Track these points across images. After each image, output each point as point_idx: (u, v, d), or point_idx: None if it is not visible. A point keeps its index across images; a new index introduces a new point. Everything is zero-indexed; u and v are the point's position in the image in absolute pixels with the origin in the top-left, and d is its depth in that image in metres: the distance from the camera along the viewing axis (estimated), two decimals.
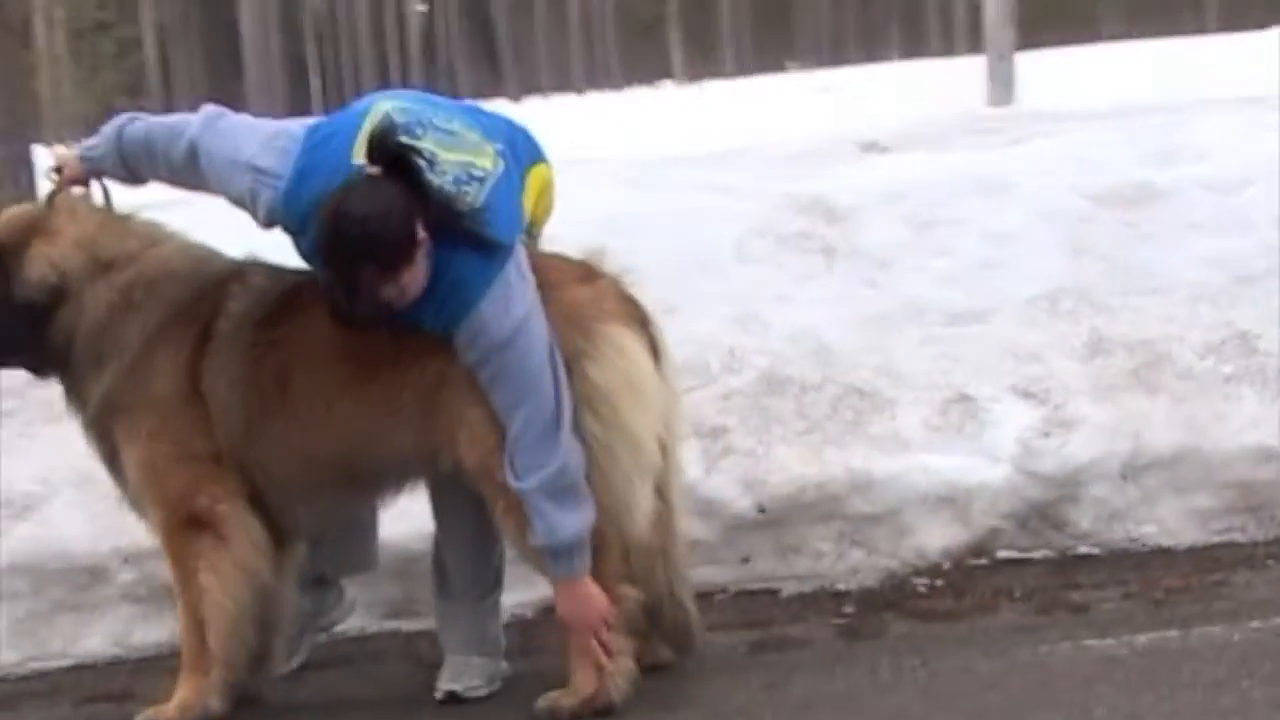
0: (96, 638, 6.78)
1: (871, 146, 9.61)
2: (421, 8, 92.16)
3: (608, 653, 5.74)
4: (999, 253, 8.09)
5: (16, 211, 6.05)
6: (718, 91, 57.69)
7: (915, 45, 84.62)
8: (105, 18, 49.08)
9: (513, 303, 5.60)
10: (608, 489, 5.69)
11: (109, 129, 6.02)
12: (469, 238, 5.59)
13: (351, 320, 5.59)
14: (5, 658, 6.70)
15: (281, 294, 5.83)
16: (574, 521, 5.63)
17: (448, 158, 5.66)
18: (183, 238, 6.04)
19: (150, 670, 6.49)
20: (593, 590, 5.72)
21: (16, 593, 6.76)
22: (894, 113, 16.24)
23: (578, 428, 5.63)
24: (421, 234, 5.48)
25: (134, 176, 6.03)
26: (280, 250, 5.92)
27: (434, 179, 5.56)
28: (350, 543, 6.44)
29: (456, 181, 5.63)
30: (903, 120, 11.58)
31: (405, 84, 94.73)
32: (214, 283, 5.85)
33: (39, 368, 5.98)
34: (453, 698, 6.01)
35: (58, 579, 6.79)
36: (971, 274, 8.00)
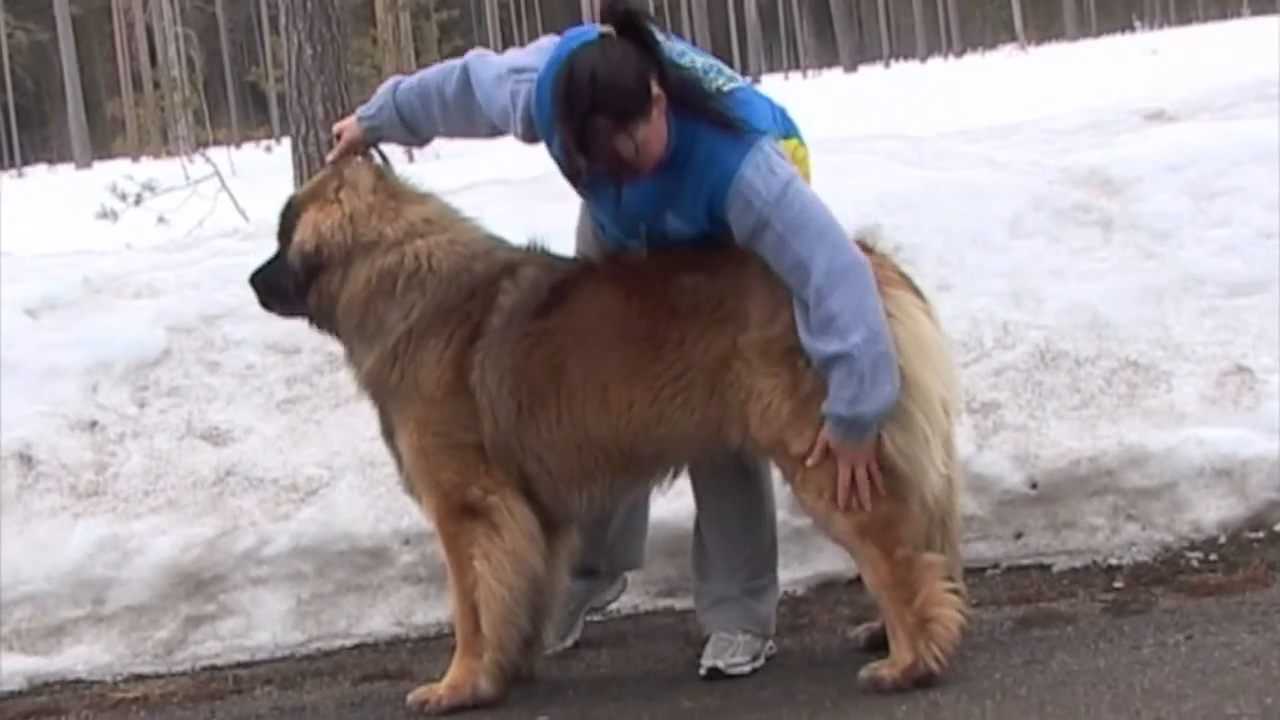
0: (378, 618, 6.99)
1: (1157, 115, 9.46)
2: None
3: (876, 493, 5.67)
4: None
5: (318, 176, 6.27)
6: (1055, 53, 56.88)
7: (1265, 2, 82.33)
8: (425, 1, 50.06)
9: (776, 165, 5.60)
10: (905, 449, 5.67)
11: (383, 90, 6.17)
12: (715, 118, 5.61)
13: (590, 181, 5.65)
14: (291, 638, 6.94)
15: (554, 285, 5.89)
16: (887, 394, 5.56)
17: (696, 56, 5.78)
18: (460, 228, 6.08)
19: (430, 649, 6.70)
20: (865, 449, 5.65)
21: (302, 574, 7.00)
22: (1207, 76, 15.82)
23: None
24: (657, 90, 5.51)
25: (412, 132, 6.17)
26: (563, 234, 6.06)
27: (675, 57, 5.64)
28: (624, 540, 6.55)
29: (705, 69, 5.72)
30: (1203, 85, 11.35)
31: (743, 51, 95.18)
32: (485, 280, 5.91)
33: (312, 322, 6.16)
34: (716, 673, 6.06)
35: (341, 561, 7.01)
36: (1252, 244, 7.87)
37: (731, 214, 5.62)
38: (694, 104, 5.62)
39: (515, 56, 5.98)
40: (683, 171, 5.64)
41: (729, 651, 6.11)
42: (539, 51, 5.88)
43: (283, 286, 6.08)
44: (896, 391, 5.59)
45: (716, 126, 5.62)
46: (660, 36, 5.65)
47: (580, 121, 5.47)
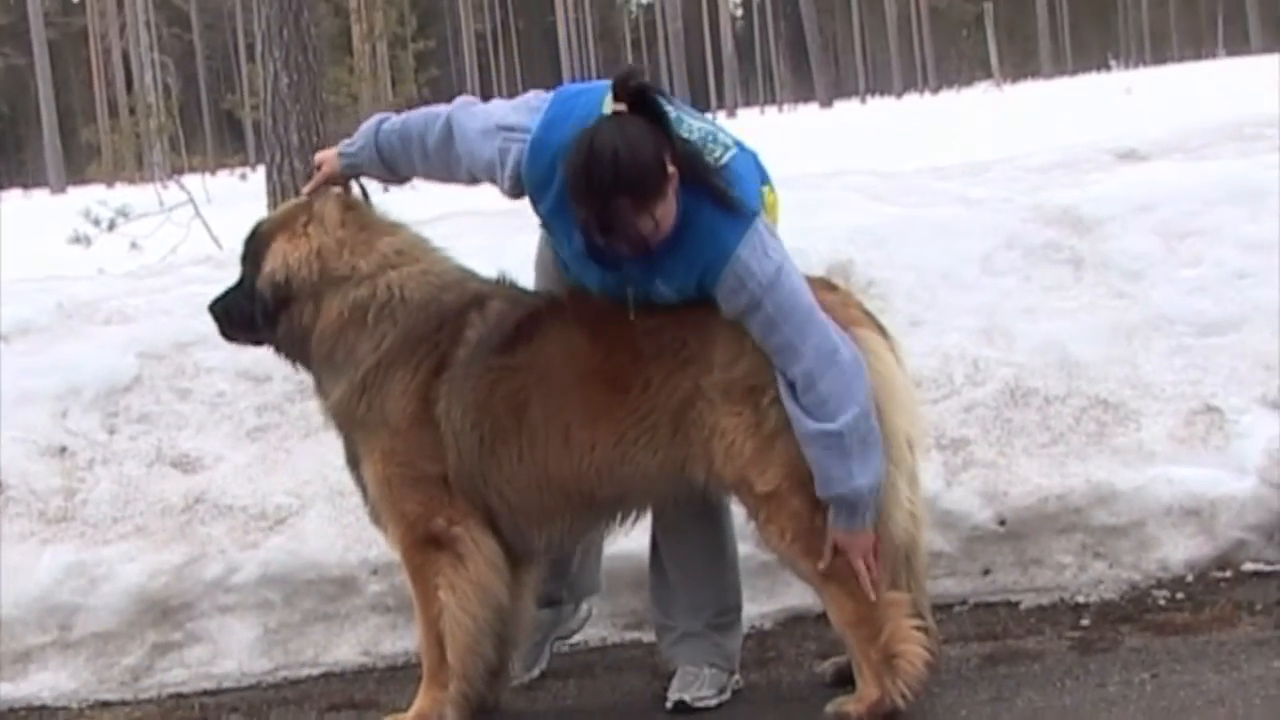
0: (345, 647, 6.98)
1: (1130, 155, 9.50)
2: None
3: (875, 585, 5.69)
4: (1253, 262, 7.98)
5: (286, 205, 6.28)
6: (1030, 91, 57.08)
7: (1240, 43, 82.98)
8: (401, 31, 50.15)
9: (770, 249, 5.64)
10: None
11: (367, 126, 6.17)
12: (716, 194, 5.63)
13: (606, 257, 5.64)
14: (258, 666, 6.92)
15: (519, 320, 5.89)
16: (876, 470, 5.62)
17: (693, 123, 5.78)
18: (431, 258, 6.10)
19: (397, 679, 6.68)
20: (868, 538, 5.69)
21: (269, 603, 7.00)
22: (1181, 115, 15.90)
23: None
24: (671, 168, 5.53)
25: (390, 171, 6.17)
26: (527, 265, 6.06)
27: (679, 129, 5.65)
28: (581, 568, 6.57)
29: (703, 139, 5.72)
30: (1176, 125, 11.40)
31: (719, 85, 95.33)
32: (454, 311, 5.92)
33: (280, 352, 6.16)
34: (683, 707, 6.08)
35: (309, 590, 7.01)
36: (1223, 283, 7.91)
37: (722, 291, 5.65)
38: (698, 178, 5.64)
39: (504, 112, 5.95)
40: (679, 243, 5.65)
41: (696, 685, 6.13)
42: (530, 110, 5.87)
43: (246, 313, 6.08)
44: (886, 465, 5.64)
45: (716, 203, 5.64)
46: (669, 108, 5.67)
47: (603, 201, 5.47)
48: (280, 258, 5.98)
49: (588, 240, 5.63)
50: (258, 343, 6.21)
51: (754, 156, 6.00)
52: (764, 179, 6.01)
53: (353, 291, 5.94)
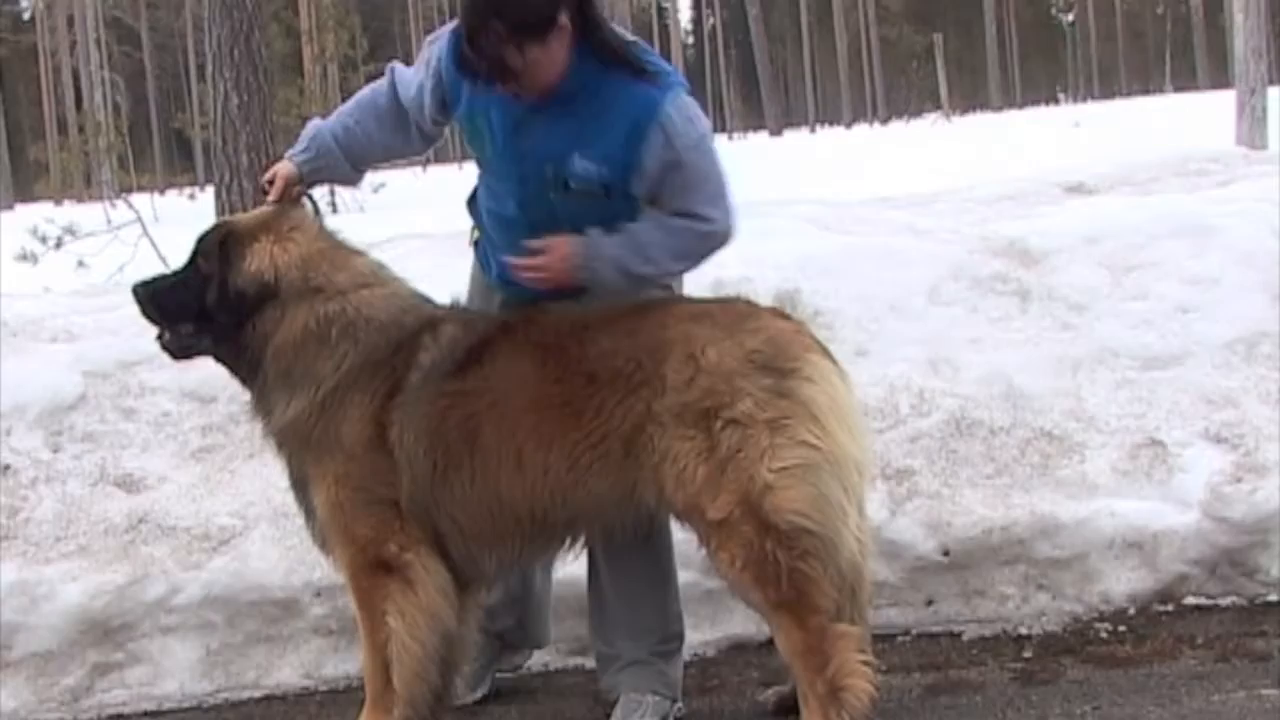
0: (288, 669, 6.96)
1: (1077, 188, 9.57)
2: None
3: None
4: (1197, 296, 8.06)
5: (257, 210, 6.22)
6: (979, 123, 57.32)
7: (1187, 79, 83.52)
8: (352, 54, 50.26)
9: (696, 116, 5.84)
10: (821, 516, 5.62)
11: (308, 130, 6.20)
12: (636, 69, 5.78)
13: (477, 74, 5.72)
14: (199, 688, 6.89)
15: (470, 346, 5.87)
16: (647, 270, 5.91)
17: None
18: (397, 283, 6.08)
19: (339, 702, 6.66)
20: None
21: (212, 624, 6.96)
22: (1129, 150, 16.00)
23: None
24: (564, 21, 5.65)
25: (348, 158, 6.17)
26: None
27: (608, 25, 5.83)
28: (533, 619, 6.61)
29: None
30: (1123, 159, 11.49)
31: None
32: (410, 334, 5.89)
33: (232, 365, 6.04)
34: None
35: (252, 611, 6.98)
36: (1168, 318, 7.97)
37: (647, 147, 5.75)
38: (612, 51, 5.78)
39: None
40: (603, 111, 5.75)
41: (638, 713, 6.13)
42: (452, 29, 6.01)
43: (187, 306, 5.96)
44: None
45: (634, 73, 5.77)
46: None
47: (478, 20, 5.60)
48: (267, 258, 5.90)
49: (460, 57, 5.71)
50: (184, 345, 6.06)
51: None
52: None
53: (323, 306, 5.88)
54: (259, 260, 5.89)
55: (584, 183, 5.83)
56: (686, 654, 6.72)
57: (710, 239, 5.91)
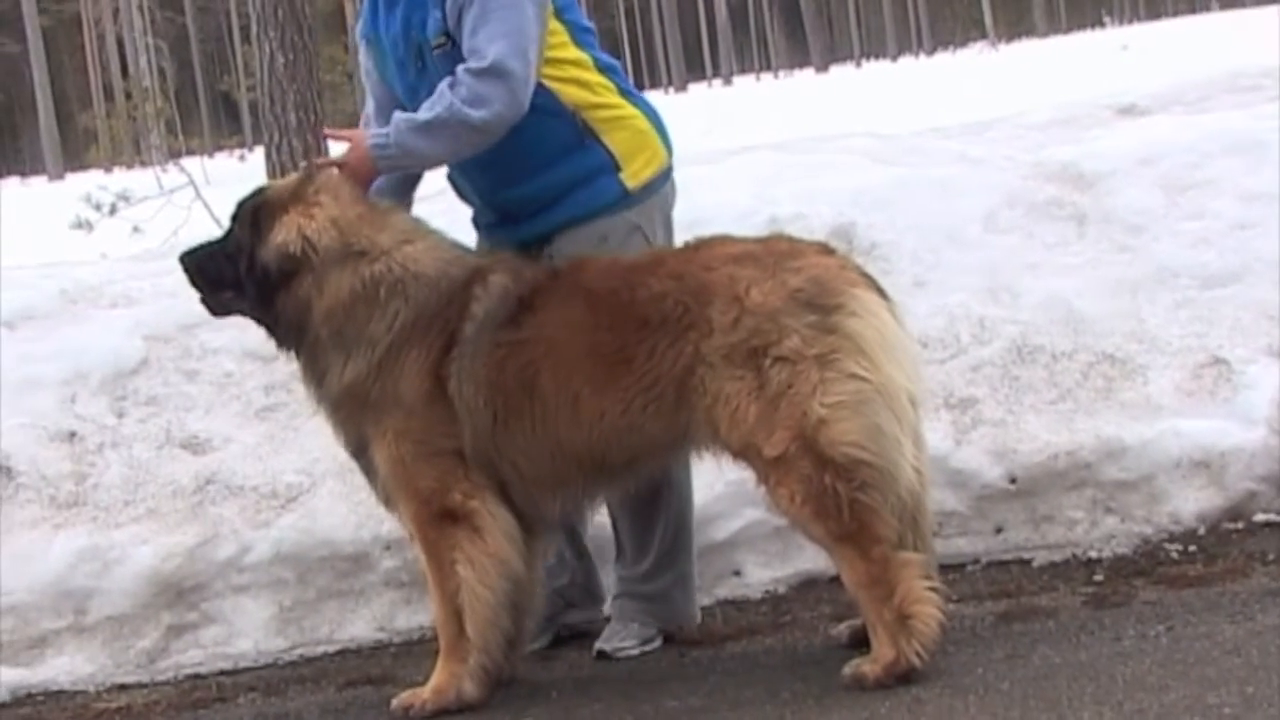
0: (360, 623, 7.00)
1: (1128, 110, 9.49)
2: None
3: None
4: (1254, 213, 7.99)
5: (286, 178, 6.28)
6: (1026, 50, 56.97)
7: None
8: None
9: None
10: (877, 448, 5.67)
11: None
12: None
13: None
14: (273, 645, 6.94)
15: (521, 295, 5.93)
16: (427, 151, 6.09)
17: None
18: (436, 235, 6.13)
19: (413, 654, 6.70)
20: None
21: (283, 581, 7.00)
22: (1178, 70, 15.86)
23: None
24: None
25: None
26: None
27: None
28: (591, 576, 6.75)
29: None
30: (1173, 79, 11.40)
31: (714, 53, 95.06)
32: (459, 285, 5.94)
33: (273, 331, 6.12)
34: (602, 656, 6.36)
35: (322, 567, 7.02)
36: (1225, 235, 7.92)
37: None
38: None
39: None
40: None
41: (617, 637, 6.42)
42: None
43: (225, 274, 6.05)
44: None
45: None
46: None
47: None
48: (294, 229, 5.94)
49: None
50: (225, 308, 6.20)
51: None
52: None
53: (368, 268, 5.94)
54: (286, 232, 5.96)
55: (437, 37, 6.11)
56: (758, 591, 6.78)
57: (479, 85, 5.95)
